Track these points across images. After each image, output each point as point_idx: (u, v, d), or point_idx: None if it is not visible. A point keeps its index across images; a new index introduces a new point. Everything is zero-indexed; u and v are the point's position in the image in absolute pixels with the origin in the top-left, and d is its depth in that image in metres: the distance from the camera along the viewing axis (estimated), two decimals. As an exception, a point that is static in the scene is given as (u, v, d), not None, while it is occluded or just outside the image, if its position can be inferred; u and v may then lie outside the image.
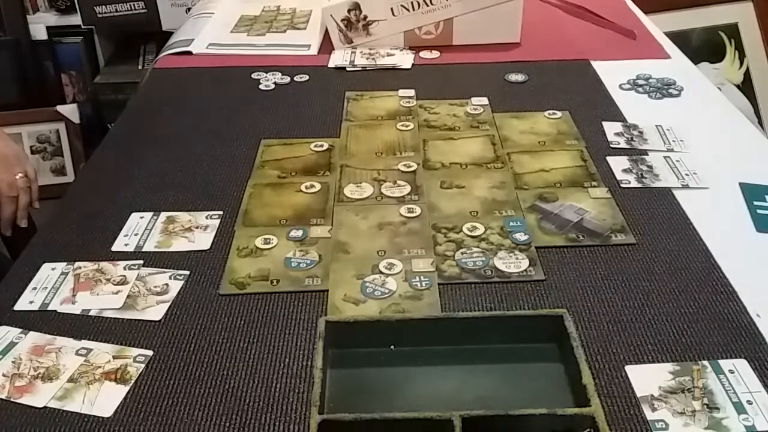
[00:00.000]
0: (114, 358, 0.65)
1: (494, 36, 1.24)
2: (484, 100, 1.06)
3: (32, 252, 0.79)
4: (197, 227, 0.81)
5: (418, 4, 1.20)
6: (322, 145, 0.96)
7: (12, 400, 0.61)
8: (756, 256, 0.75)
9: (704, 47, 2.02)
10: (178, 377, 0.63)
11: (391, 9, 1.21)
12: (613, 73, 1.13)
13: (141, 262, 0.76)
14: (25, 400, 0.61)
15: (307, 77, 1.16)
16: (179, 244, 0.79)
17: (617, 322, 0.67)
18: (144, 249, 0.78)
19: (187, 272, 0.75)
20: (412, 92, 1.10)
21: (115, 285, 0.73)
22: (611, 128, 0.98)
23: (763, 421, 0.57)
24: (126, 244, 0.79)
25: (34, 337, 0.67)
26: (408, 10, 1.21)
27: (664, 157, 0.91)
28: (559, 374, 0.61)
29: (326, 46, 1.26)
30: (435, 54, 1.23)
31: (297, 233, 0.79)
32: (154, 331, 0.68)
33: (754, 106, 2.03)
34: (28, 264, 0.77)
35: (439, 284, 0.72)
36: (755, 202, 0.82)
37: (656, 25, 1.34)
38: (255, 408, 0.60)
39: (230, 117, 1.05)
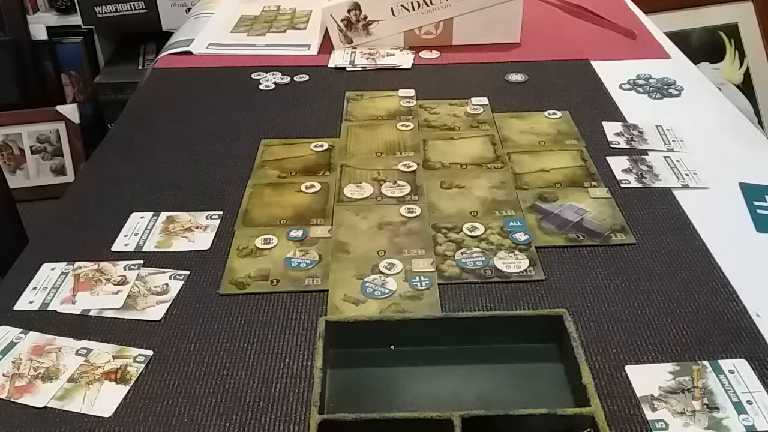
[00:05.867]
0: (114, 358, 0.65)
1: (494, 36, 1.24)
2: (484, 100, 1.07)
3: (32, 252, 0.79)
4: (197, 227, 0.81)
5: (418, 4, 1.20)
6: (322, 145, 0.96)
7: (12, 400, 0.61)
8: (756, 256, 0.75)
9: (704, 47, 2.02)
10: (178, 377, 0.63)
11: (391, 9, 1.21)
12: (613, 73, 1.13)
13: (141, 262, 0.76)
14: (25, 400, 0.61)
15: (307, 77, 1.16)
16: (179, 244, 0.79)
17: (617, 322, 0.67)
18: (144, 249, 0.78)
19: (187, 272, 0.75)
20: (412, 92, 1.10)
21: (115, 285, 0.73)
22: (611, 128, 0.98)
23: (763, 421, 0.57)
24: (126, 244, 0.79)
25: (34, 337, 0.67)
26: (408, 10, 1.21)
27: (664, 157, 0.91)
28: (559, 374, 0.61)
29: (326, 46, 1.26)
30: (435, 54, 1.23)
31: (297, 233, 0.79)
32: (154, 331, 0.68)
33: (754, 106, 2.03)
34: (28, 264, 0.77)
35: (439, 284, 0.72)
36: (755, 202, 0.82)
37: (656, 25, 1.34)
38: (255, 408, 0.60)
39: (230, 117, 1.05)
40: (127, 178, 0.91)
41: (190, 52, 1.26)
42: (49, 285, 0.73)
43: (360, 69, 1.18)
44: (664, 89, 1.08)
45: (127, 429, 0.58)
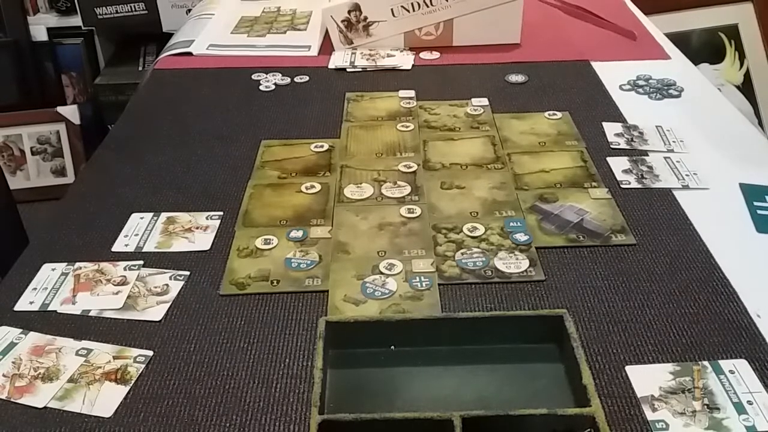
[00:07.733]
0: (114, 358, 0.65)
1: (494, 37, 1.25)
2: (485, 101, 1.07)
3: (32, 252, 0.79)
4: (197, 228, 0.81)
5: (418, 5, 1.20)
6: (322, 146, 0.96)
7: (12, 400, 0.61)
8: (756, 256, 0.75)
9: (704, 48, 2.02)
10: (178, 377, 0.63)
11: (392, 10, 1.21)
12: (613, 73, 1.13)
13: (141, 262, 0.76)
14: (26, 400, 0.61)
15: (307, 78, 1.17)
16: (179, 245, 0.79)
17: (617, 323, 0.67)
18: (144, 249, 0.78)
19: (188, 273, 0.75)
20: (412, 93, 1.10)
21: (115, 285, 0.73)
22: (611, 129, 0.98)
23: (764, 422, 0.57)
24: (126, 245, 0.79)
25: (35, 338, 0.67)
26: (408, 11, 1.21)
27: (665, 157, 0.91)
28: (559, 374, 0.61)
29: (326, 47, 1.26)
30: (435, 55, 1.23)
31: (297, 234, 0.79)
32: (154, 331, 0.68)
33: (754, 107, 2.03)
34: (28, 264, 0.77)
35: (439, 284, 0.72)
36: (755, 203, 0.82)
37: (656, 26, 1.34)
38: (255, 408, 0.60)
39: (230, 117, 1.05)
40: (127, 179, 0.91)
41: (190, 53, 1.26)
42: (49, 285, 0.73)
43: (360, 70, 1.18)
44: (664, 90, 1.08)
45: (127, 429, 0.58)
